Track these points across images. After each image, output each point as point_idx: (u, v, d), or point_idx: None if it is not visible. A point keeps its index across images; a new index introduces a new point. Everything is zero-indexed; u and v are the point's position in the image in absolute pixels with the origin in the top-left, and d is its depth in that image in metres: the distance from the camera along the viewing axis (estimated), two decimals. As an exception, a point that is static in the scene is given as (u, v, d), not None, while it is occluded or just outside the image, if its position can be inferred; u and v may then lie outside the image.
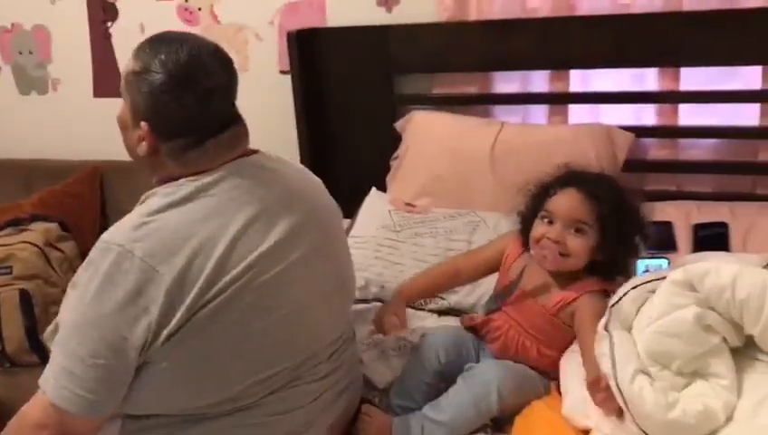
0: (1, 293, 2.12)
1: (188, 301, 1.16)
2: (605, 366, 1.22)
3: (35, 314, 2.13)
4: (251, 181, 1.26)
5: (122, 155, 2.66)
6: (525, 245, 1.52)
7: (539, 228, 1.45)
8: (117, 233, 1.19)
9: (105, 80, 2.75)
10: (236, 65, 1.29)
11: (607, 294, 1.41)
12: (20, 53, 2.83)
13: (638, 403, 1.15)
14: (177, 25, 2.57)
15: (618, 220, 1.41)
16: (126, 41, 2.67)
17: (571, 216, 1.41)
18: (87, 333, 1.16)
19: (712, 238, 1.91)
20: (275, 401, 1.28)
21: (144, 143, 1.25)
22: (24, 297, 2.13)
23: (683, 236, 1.93)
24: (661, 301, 1.20)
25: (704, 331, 1.16)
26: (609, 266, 1.46)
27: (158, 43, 1.24)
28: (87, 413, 1.17)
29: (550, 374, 1.48)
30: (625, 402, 1.17)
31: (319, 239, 1.35)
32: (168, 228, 1.18)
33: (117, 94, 1.29)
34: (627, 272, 1.47)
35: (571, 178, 1.47)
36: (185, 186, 1.23)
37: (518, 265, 1.53)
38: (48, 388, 1.17)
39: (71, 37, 2.76)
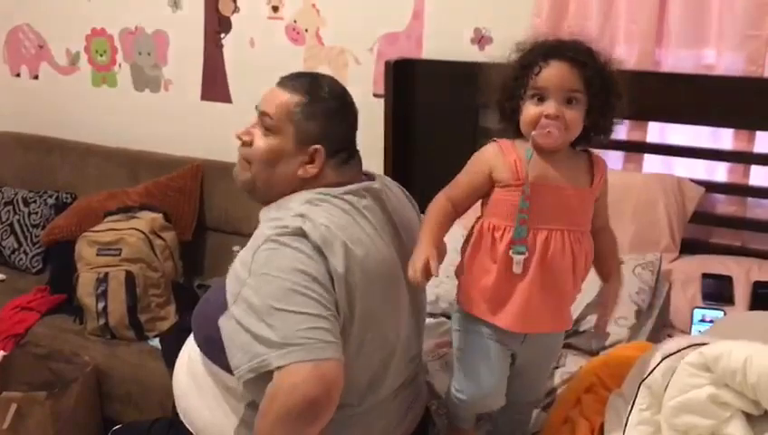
0: (110, 272, 2.34)
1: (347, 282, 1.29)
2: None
3: (137, 295, 2.34)
4: (380, 201, 1.44)
5: (222, 155, 2.85)
6: (514, 135, 1.39)
7: (531, 109, 1.32)
8: (284, 221, 1.31)
9: (213, 85, 2.95)
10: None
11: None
12: (139, 54, 3.08)
13: None
14: (285, 43, 2.77)
15: (601, 80, 1.32)
16: (236, 52, 2.88)
17: (564, 87, 1.30)
18: (306, 293, 1.24)
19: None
20: (373, 408, 1.43)
21: (309, 166, 1.40)
22: (129, 278, 2.33)
23: (741, 292, 2.00)
24: (679, 380, 1.27)
25: (719, 407, 1.23)
26: (594, 130, 1.38)
27: (309, 78, 1.44)
28: (337, 355, 1.22)
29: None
30: None
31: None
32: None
33: (222, 99, 1.41)
34: (609, 131, 1.41)
35: (550, 50, 1.33)
36: (329, 192, 1.38)
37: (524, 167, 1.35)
38: (295, 356, 1.18)
39: (186, 44, 2.97)
